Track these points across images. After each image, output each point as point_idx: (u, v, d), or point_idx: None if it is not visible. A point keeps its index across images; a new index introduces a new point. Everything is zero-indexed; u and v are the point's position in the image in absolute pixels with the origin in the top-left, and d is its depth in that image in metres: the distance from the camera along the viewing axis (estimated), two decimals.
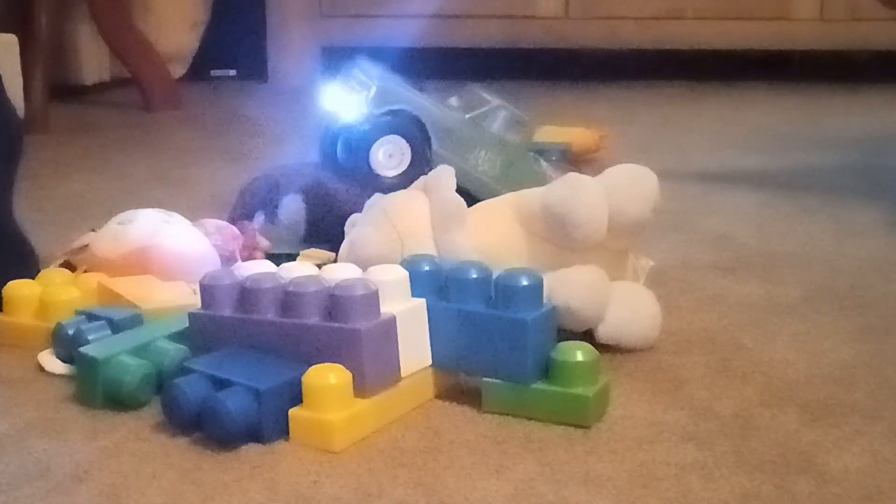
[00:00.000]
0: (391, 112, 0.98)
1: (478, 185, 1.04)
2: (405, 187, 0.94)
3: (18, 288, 0.93)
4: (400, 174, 0.96)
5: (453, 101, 1.05)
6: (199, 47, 2.81)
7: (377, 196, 0.98)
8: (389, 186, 0.95)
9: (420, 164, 0.96)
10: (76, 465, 0.71)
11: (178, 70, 2.65)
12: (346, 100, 1.01)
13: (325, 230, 0.97)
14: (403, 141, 0.96)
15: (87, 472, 0.70)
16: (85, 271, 0.99)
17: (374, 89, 0.99)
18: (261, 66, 2.78)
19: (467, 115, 1.04)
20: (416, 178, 0.95)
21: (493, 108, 1.05)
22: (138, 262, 0.96)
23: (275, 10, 2.75)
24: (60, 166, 1.65)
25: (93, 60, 2.54)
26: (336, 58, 2.78)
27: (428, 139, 0.98)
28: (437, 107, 1.01)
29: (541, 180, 1.06)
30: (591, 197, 0.86)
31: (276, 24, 2.75)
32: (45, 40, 2.07)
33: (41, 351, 0.88)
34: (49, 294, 0.92)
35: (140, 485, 0.68)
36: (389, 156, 0.95)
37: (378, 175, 0.95)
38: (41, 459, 0.72)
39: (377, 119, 0.97)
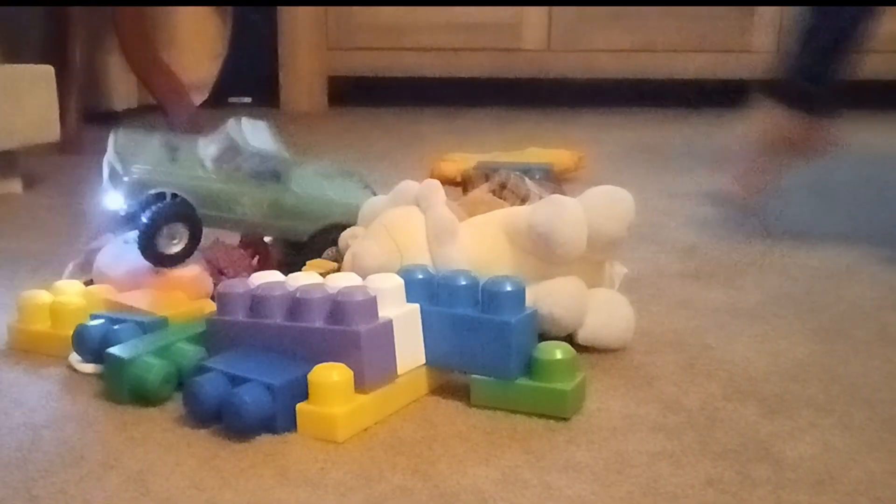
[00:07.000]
0: (152, 197, 0.97)
1: (250, 228, 1.03)
2: (190, 256, 0.96)
3: (31, 298, 0.92)
4: (184, 246, 0.97)
5: (212, 149, 1.02)
6: (218, 77, 2.81)
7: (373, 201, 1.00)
8: (178, 259, 0.97)
9: (196, 234, 0.97)
10: (107, 453, 0.71)
11: (200, 97, 2.66)
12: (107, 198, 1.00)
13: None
14: (179, 225, 0.96)
15: (116, 459, 0.70)
16: (86, 284, 0.98)
17: (125, 183, 0.98)
18: (273, 93, 2.79)
19: (220, 170, 1.01)
20: (197, 244, 0.97)
21: (246, 155, 1.01)
22: (134, 281, 0.96)
23: (286, 44, 2.76)
24: (94, 184, 1.64)
25: (122, 89, 2.55)
26: (341, 86, 2.79)
27: (192, 212, 0.98)
28: (188, 176, 0.99)
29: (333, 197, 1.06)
30: (571, 217, 0.86)
31: (287, 55, 2.76)
32: (78, 70, 2.08)
33: (56, 355, 0.88)
34: (61, 303, 0.91)
35: (165, 471, 0.68)
36: (172, 238, 0.96)
37: (167, 254, 0.96)
38: (75, 448, 0.72)
39: (144, 214, 0.96)
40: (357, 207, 1.04)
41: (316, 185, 1.08)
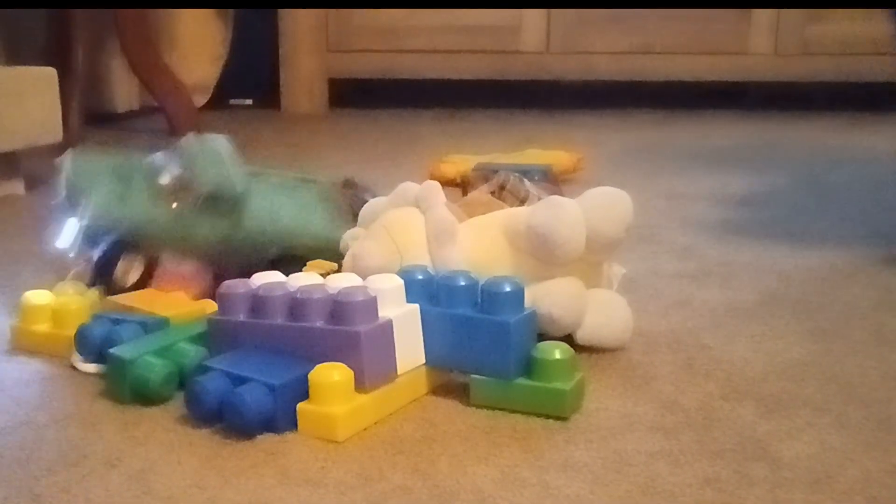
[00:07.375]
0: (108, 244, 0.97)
1: (204, 259, 1.00)
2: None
3: (33, 298, 0.92)
4: (140, 276, 0.97)
5: (167, 178, 0.98)
6: (219, 79, 2.81)
7: (373, 203, 0.99)
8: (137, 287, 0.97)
9: (151, 261, 0.97)
10: (109, 452, 0.71)
11: (201, 99, 2.66)
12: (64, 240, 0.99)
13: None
14: (132, 255, 0.97)
15: (119, 458, 0.70)
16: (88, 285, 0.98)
17: (76, 228, 0.97)
18: (274, 95, 2.79)
19: (171, 205, 0.98)
20: (153, 271, 0.96)
21: (199, 187, 0.97)
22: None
23: (287, 46, 2.76)
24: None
25: (124, 91, 2.55)
26: (342, 88, 2.79)
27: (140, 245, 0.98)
28: (140, 213, 0.97)
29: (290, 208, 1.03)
30: (570, 219, 0.86)
31: (288, 58, 2.76)
32: (81, 73, 2.08)
33: (58, 355, 0.88)
34: (63, 304, 0.91)
35: (166, 470, 0.68)
36: (126, 272, 0.96)
37: (125, 287, 0.97)
38: (78, 447, 0.72)
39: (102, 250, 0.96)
40: (316, 235, 1.02)
41: (273, 207, 1.03)
